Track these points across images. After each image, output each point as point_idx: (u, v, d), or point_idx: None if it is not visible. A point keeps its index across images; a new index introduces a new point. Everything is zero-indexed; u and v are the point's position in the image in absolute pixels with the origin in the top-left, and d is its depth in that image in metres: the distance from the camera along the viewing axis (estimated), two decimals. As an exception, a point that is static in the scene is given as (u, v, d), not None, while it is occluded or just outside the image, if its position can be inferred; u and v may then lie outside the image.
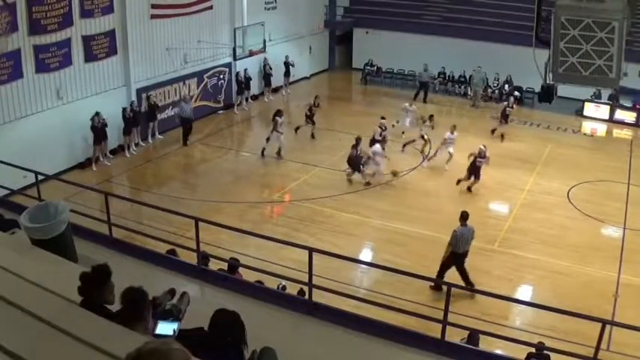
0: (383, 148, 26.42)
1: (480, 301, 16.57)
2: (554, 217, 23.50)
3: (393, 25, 41.69)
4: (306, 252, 12.01)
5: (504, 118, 31.65)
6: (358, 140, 25.78)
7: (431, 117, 29.87)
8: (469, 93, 39.17)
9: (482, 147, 25.05)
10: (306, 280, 12.14)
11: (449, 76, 40.78)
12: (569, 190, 25.52)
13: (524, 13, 34.90)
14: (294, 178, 26.17)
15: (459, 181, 25.14)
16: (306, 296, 12.47)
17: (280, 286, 14.51)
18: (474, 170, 24.90)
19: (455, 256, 18.00)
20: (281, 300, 12.22)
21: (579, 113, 36.60)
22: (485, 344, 13.47)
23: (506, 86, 38.73)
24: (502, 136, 31.37)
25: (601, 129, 35.69)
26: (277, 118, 27.96)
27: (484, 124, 33.31)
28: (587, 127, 35.22)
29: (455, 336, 12.89)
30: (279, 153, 28.20)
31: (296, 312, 11.64)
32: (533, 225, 22.68)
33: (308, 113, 30.74)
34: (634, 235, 22.69)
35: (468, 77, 39.78)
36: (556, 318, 14.36)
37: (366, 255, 21.00)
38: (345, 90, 43.37)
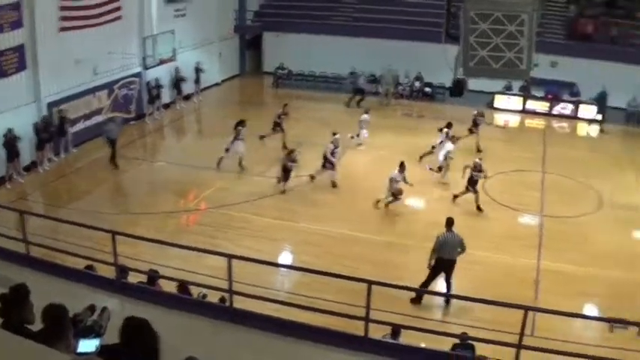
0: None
1: (401, 297, 16.60)
2: (472, 208, 23.76)
3: (302, 28, 41.72)
4: (225, 259, 11.88)
5: (475, 126, 31.10)
6: (291, 152, 25.53)
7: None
8: (380, 92, 39.16)
9: (477, 160, 24.77)
10: (227, 287, 12.00)
11: (360, 75, 40.74)
12: (484, 183, 25.80)
13: (433, 10, 35.42)
14: (210, 186, 25.87)
15: (455, 197, 24.61)
16: (227, 303, 12.34)
17: (200, 294, 14.32)
18: (472, 184, 24.35)
19: (440, 262, 17.84)
20: (202, 309, 12.08)
21: (490, 106, 37.17)
22: (409, 338, 13.49)
23: (417, 83, 39.12)
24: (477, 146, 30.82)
25: (513, 120, 36.29)
26: (239, 127, 27.44)
27: (401, 122, 33.53)
28: (499, 119, 35.74)
29: (378, 332, 12.89)
30: (240, 164, 27.54)
31: (217, 320, 11.51)
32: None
33: (277, 120, 30.18)
34: (551, 222, 23.21)
35: (378, 76, 39.80)
36: (479, 308, 14.51)
37: (285, 258, 20.93)
38: (257, 94, 43.21)
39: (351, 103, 37.56)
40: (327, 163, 25.91)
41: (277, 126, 30.12)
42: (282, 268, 19.54)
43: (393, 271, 18.55)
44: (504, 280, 18.65)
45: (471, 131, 30.40)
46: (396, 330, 13.26)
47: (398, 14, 40.11)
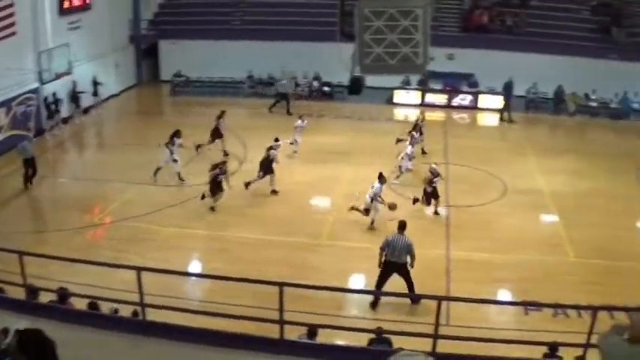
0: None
1: (314, 296, 16.62)
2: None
3: (198, 34, 41.32)
4: (134, 272, 11.74)
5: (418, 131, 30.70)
6: (222, 164, 24.55)
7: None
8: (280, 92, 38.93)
9: (433, 166, 24.65)
10: (138, 300, 11.86)
11: (258, 78, 40.67)
12: (389, 177, 26.08)
13: (327, 10, 35.51)
14: (114, 199, 25.40)
15: (415, 201, 24.12)
16: (140, 316, 12.19)
17: (112, 309, 14.10)
18: (432, 192, 24.06)
19: (386, 264, 17.80)
20: (114, 324, 11.88)
21: (390, 101, 37.56)
22: (326, 337, 13.55)
23: (315, 83, 39.24)
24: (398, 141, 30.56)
25: (413, 114, 36.68)
26: (175, 139, 26.74)
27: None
28: (399, 113, 36.11)
29: (294, 333, 12.90)
30: (179, 176, 26.92)
31: (131, 334, 11.34)
32: (357, 215, 22.93)
33: (217, 126, 29.62)
34: (458, 212, 23.61)
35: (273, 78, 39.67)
36: (395, 301, 14.62)
37: (196, 266, 20.75)
38: (155, 104, 42.66)
39: (272, 108, 37.27)
40: (268, 170, 25.45)
41: (215, 133, 29.56)
42: (195, 277, 19.36)
43: (308, 273, 18.61)
44: (416, 272, 18.80)
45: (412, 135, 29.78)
46: (312, 330, 13.29)
47: (293, 15, 40.23)
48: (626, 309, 15.39)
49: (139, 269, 11.77)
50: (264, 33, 39.63)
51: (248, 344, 10.98)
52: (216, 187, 23.96)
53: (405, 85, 38.15)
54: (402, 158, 26.94)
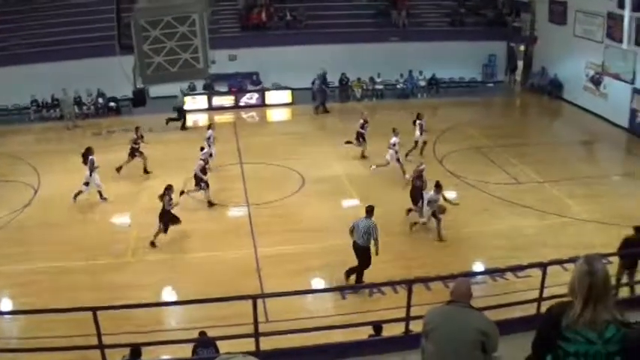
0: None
1: (132, 316, 16.31)
2: (179, 213, 23.52)
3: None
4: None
5: (361, 137, 29.99)
6: (168, 190, 22.31)
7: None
8: (64, 115, 37.71)
9: (421, 167, 23.91)
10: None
11: (42, 102, 39.08)
12: (186, 184, 25.88)
13: (103, 24, 34.70)
14: None
15: (409, 211, 23.40)
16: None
17: None
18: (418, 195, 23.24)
19: (352, 245, 18.64)
20: None
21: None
22: (150, 354, 13.35)
23: (100, 99, 38.32)
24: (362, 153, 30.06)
25: (202, 119, 36.58)
26: (91, 157, 25.01)
27: (91, 142, 32.60)
28: (188, 120, 35.84)
29: (117, 356, 12.63)
30: (101, 195, 25.44)
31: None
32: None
33: (134, 146, 27.89)
34: (259, 209, 23.76)
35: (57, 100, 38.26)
36: (212, 307, 14.55)
37: (4, 304, 19.64)
38: None
39: (184, 124, 35.88)
40: (202, 182, 24.56)
41: (135, 151, 28.03)
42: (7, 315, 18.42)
43: (120, 292, 18.19)
44: (229, 275, 18.90)
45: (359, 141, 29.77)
46: (135, 350, 13.05)
47: (72, 34, 38.87)
48: (440, 278, 16.13)
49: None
50: (45, 55, 38.06)
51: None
52: (167, 221, 22.07)
53: (191, 91, 37.90)
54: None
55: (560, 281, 5.63)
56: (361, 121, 29.82)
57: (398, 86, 41.07)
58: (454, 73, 42.98)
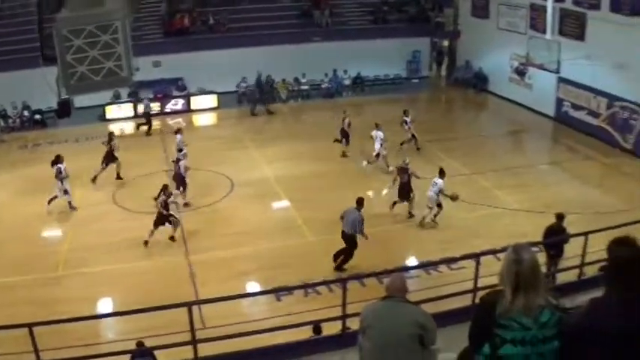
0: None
1: (69, 329, 16.05)
2: (110, 224, 23.54)
3: None
4: None
5: (345, 136, 30.07)
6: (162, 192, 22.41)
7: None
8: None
9: (406, 161, 24.61)
10: None
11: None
12: (114, 195, 25.60)
13: (26, 36, 34.03)
14: None
15: (394, 204, 24.04)
16: None
17: None
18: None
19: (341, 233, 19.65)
20: None
21: (103, 118, 36.74)
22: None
23: (26, 112, 37.63)
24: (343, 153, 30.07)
25: (129, 127, 36.17)
26: (59, 165, 24.45)
27: (19, 155, 32.01)
28: (114, 129, 35.35)
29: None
30: (71, 205, 24.95)
31: None
32: (92, 239, 22.35)
33: (110, 151, 27.51)
34: (189, 215, 23.59)
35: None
36: (148, 317, 14.39)
37: None
38: None
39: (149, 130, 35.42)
40: (183, 184, 24.77)
41: (109, 157, 27.50)
42: None
43: (55, 307, 17.83)
44: (163, 283, 18.76)
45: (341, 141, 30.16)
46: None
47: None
48: (373, 274, 16.21)
49: None
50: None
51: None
52: (165, 217, 21.94)
53: (116, 100, 37.40)
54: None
55: (493, 271, 5.70)
56: (347, 120, 30.06)
57: (323, 86, 41.17)
58: (379, 70, 43.31)
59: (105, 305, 18.59)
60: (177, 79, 39.11)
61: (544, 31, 33.75)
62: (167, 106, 38.24)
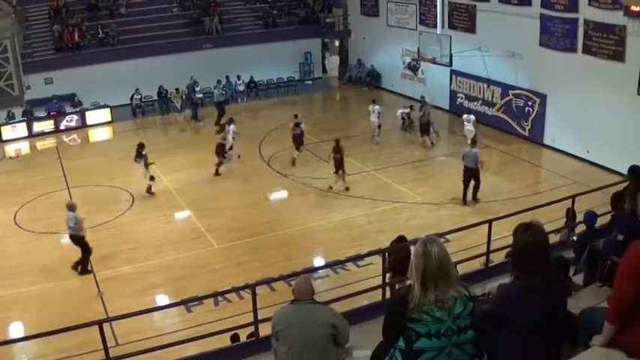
0: None
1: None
2: (9, 247, 22.78)
3: None
4: None
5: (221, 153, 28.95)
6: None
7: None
8: None
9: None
10: None
11: None
12: (15, 216, 25.02)
13: None
14: None
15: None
16: None
17: None
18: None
19: None
20: None
21: (-4, 140, 35.78)
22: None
23: None
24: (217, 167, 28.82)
25: (25, 147, 35.37)
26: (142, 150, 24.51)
27: None
28: (10, 150, 34.59)
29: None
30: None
31: None
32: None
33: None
34: (91, 233, 22.95)
35: None
36: (59, 339, 14.14)
37: None
38: None
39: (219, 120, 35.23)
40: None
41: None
42: None
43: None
44: (71, 303, 18.42)
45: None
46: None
47: None
48: (281, 277, 16.32)
49: None
50: None
51: None
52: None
53: (10, 120, 36.38)
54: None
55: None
56: (302, 125, 29.93)
57: (216, 92, 40.54)
58: (272, 74, 43.36)
59: (14, 330, 18.15)
60: (71, 95, 38.29)
61: (434, 26, 34.49)
62: (62, 124, 37.19)
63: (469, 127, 28.98)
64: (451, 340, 5.22)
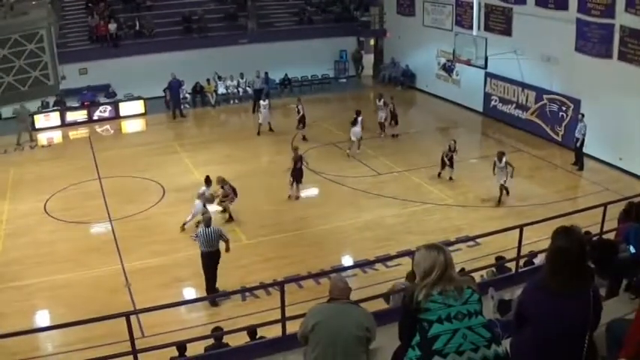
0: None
1: (6, 344, 15.75)
2: (40, 235, 22.95)
3: None
4: None
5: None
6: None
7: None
8: None
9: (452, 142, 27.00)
10: None
11: None
12: (45, 205, 25.15)
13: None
14: None
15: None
16: None
17: None
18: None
19: None
20: None
21: (32, 127, 35.89)
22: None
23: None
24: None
25: (57, 136, 35.61)
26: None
27: None
28: (43, 138, 34.82)
29: None
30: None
31: None
32: (23, 251, 21.76)
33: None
34: (121, 224, 23.31)
35: None
36: (86, 328, 14.19)
37: None
38: None
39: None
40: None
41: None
42: None
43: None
44: (98, 294, 18.45)
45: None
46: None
47: None
48: (310, 275, 16.25)
49: None
50: None
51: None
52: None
53: (44, 109, 36.65)
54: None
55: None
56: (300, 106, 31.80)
57: (255, 87, 40.37)
58: (306, 71, 43.40)
59: (41, 318, 18.24)
60: (105, 85, 38.56)
61: (470, 27, 34.28)
62: (95, 114, 37.52)
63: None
64: (462, 322, 5.31)
